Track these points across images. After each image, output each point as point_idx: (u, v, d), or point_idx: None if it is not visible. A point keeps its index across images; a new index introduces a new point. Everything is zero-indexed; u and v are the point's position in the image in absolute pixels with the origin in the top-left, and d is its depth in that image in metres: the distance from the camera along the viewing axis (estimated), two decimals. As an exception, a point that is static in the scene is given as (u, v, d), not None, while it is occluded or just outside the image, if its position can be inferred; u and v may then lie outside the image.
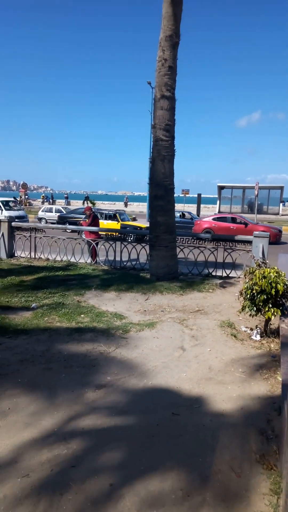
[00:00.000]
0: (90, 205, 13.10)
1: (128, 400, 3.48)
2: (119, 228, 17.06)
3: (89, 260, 10.00)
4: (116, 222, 18.25)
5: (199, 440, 2.92)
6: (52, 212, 24.85)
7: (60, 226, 11.81)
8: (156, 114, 8.13)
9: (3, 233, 10.51)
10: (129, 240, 10.72)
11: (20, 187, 42.39)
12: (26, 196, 40.92)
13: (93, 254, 10.12)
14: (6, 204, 22.11)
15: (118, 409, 3.32)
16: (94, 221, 10.73)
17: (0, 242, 10.53)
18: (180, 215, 21.68)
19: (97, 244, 10.05)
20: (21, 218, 20.67)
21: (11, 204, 22.87)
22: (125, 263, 9.63)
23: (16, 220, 19.07)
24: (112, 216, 18.76)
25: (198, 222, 18.79)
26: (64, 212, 23.82)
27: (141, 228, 16.98)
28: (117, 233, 10.30)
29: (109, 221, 18.32)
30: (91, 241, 10.15)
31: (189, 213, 23.74)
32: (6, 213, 20.47)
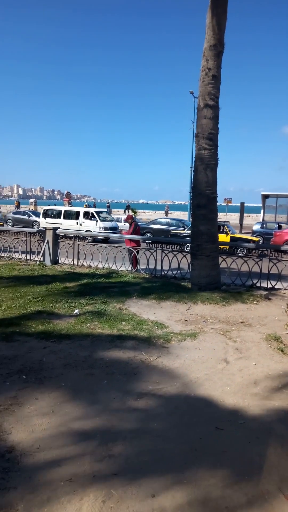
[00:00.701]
0: (131, 213, 13.40)
1: (170, 411, 3.41)
2: (228, 241, 16.09)
3: (129, 268, 10.08)
4: (225, 234, 16.78)
5: (245, 458, 2.79)
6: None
7: (102, 233, 12.03)
8: (199, 123, 8.11)
9: (48, 240, 10.88)
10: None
11: (65, 196, 43.91)
12: (70, 205, 42.26)
13: (134, 262, 10.19)
14: (99, 214, 20.63)
15: (159, 419, 3.26)
16: (135, 230, 10.83)
17: (45, 249, 10.93)
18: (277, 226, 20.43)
19: (138, 252, 10.11)
20: (114, 230, 19.45)
21: (103, 215, 21.18)
22: (166, 272, 9.60)
23: (110, 231, 18.74)
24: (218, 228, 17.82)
25: (279, 233, 17.63)
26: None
27: (253, 241, 16.16)
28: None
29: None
30: (132, 249, 10.23)
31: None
32: (101, 224, 19.57)
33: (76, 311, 6.26)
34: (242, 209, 28.57)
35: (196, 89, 8.36)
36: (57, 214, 21.39)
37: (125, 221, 12.18)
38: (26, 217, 27.44)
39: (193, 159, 8.49)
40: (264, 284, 8.50)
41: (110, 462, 2.70)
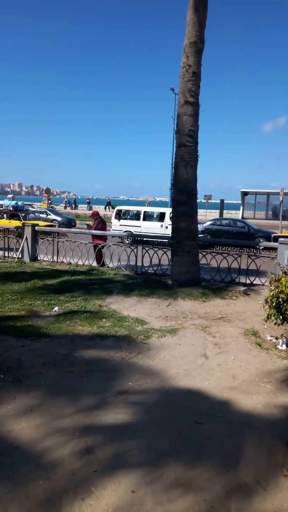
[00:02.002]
0: (96, 210, 13.92)
1: (150, 407, 3.43)
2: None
3: (110, 265, 10.05)
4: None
5: (223, 451, 2.84)
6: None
7: (83, 231, 11.86)
8: (180, 119, 8.13)
9: (26, 237, 10.71)
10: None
11: (44, 192, 43.24)
12: (49, 201, 41.65)
13: (98, 258, 10.38)
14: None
15: (139, 415, 3.28)
16: (98, 226, 11.06)
17: (23, 245, 10.75)
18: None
19: (102, 247, 10.22)
20: (203, 234, 17.35)
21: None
22: (146, 269, 9.62)
23: (201, 235, 16.23)
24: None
25: None
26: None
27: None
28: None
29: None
30: (98, 244, 10.36)
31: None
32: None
33: (56, 308, 6.20)
34: (222, 206, 28.93)
35: (177, 86, 8.38)
36: (134, 215, 18.48)
37: (91, 216, 12.21)
38: (44, 215, 25.39)
39: (174, 156, 8.52)
40: (243, 280, 8.64)
41: (89, 459, 2.70)
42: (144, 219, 17.79)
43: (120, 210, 18.86)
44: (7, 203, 20.27)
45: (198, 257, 8.48)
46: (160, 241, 10.63)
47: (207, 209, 38.79)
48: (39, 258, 10.92)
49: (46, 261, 10.72)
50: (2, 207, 21.39)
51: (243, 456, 2.78)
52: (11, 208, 19.00)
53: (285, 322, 4.91)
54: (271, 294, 4.94)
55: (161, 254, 9.38)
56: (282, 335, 5.13)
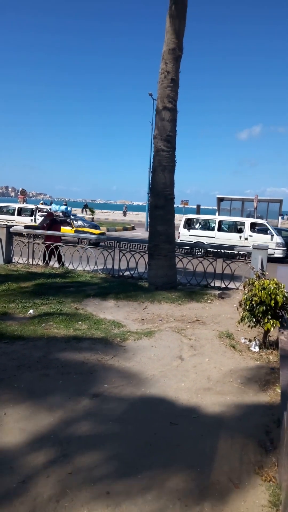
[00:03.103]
0: (51, 210, 14.10)
1: (126, 409, 3.44)
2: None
3: (87, 268, 9.98)
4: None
5: (197, 450, 2.88)
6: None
7: (57, 233, 11.70)
8: (158, 125, 8.23)
9: (0, 238, 10.49)
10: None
11: (19, 193, 42.43)
12: (25, 203, 40.94)
13: (49, 257, 10.46)
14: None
15: (115, 417, 3.28)
16: (53, 226, 11.28)
17: (-2, 247, 10.51)
18: None
19: (56, 248, 10.29)
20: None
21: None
22: (123, 272, 9.63)
23: (283, 248, 14.92)
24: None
25: None
26: None
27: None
28: None
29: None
30: (50, 244, 10.41)
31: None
32: (278, 239, 15.20)
33: (31, 311, 6.10)
34: (198, 211, 29.34)
35: (155, 91, 8.48)
36: (207, 225, 17.05)
37: (46, 216, 12.27)
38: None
39: (152, 161, 8.60)
40: (218, 284, 8.79)
41: (64, 461, 2.68)
42: (219, 229, 16.28)
43: (189, 219, 17.24)
44: (56, 207, 19.06)
45: (174, 260, 8.58)
46: (241, 253, 9.51)
47: (184, 214, 39.23)
48: (13, 261, 10.72)
49: (21, 263, 10.54)
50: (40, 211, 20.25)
51: (216, 455, 2.84)
52: (60, 214, 17.87)
53: (258, 325, 5.04)
54: (245, 297, 5.06)
55: (138, 258, 9.42)
56: (255, 337, 5.25)
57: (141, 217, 39.46)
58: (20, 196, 40.21)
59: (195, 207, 32.38)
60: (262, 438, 3.07)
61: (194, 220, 17.44)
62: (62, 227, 16.84)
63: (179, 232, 16.65)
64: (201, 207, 31.03)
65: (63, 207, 19.08)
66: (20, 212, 20.70)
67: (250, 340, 5.23)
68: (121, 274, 9.59)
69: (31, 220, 19.47)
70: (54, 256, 10.39)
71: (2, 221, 18.70)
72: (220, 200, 30.70)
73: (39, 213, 19.83)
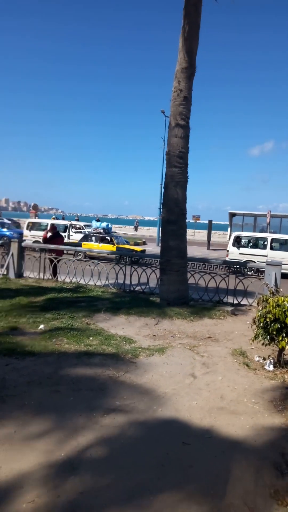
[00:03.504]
0: (53, 222, 14.12)
1: (137, 427, 3.37)
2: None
3: (98, 283, 10.00)
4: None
5: (211, 472, 2.79)
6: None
7: (68, 248, 11.84)
8: (170, 141, 8.32)
9: (12, 253, 10.61)
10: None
11: (31, 208, 43.02)
12: (37, 218, 41.48)
13: (53, 270, 10.62)
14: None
15: (126, 436, 3.21)
16: (54, 240, 11.37)
17: (9, 262, 10.63)
18: None
19: (58, 261, 10.47)
20: None
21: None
22: (134, 287, 9.60)
23: None
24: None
25: None
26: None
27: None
28: None
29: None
30: (53, 258, 10.58)
31: None
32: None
33: (42, 326, 6.10)
34: (210, 226, 29.29)
35: (167, 108, 8.62)
36: (258, 243, 16.21)
37: (49, 230, 12.42)
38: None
39: (163, 176, 8.67)
40: (230, 300, 8.68)
41: (75, 481, 2.62)
42: (271, 248, 15.47)
43: (239, 237, 16.40)
44: (96, 225, 18.69)
45: (186, 276, 8.53)
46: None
47: (195, 229, 39.20)
48: (24, 275, 10.81)
49: (32, 278, 10.61)
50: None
51: (230, 478, 2.74)
52: (101, 231, 17.76)
53: (273, 342, 4.93)
54: (259, 314, 4.97)
55: (149, 273, 9.40)
56: (269, 355, 5.14)
57: (153, 232, 39.57)
58: (32, 211, 40.82)
59: (207, 222, 32.37)
60: (278, 460, 2.97)
61: (244, 238, 16.57)
62: (104, 244, 16.95)
63: (227, 250, 16.31)
64: (213, 222, 30.98)
65: (103, 224, 18.72)
66: None
67: (264, 359, 5.11)
68: (133, 289, 9.57)
69: (64, 236, 18.71)
70: (56, 269, 10.53)
71: (34, 237, 18.55)
72: (232, 215, 30.65)
73: (73, 229, 19.60)
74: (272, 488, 2.66)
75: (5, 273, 10.66)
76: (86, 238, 17.67)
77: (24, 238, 19.16)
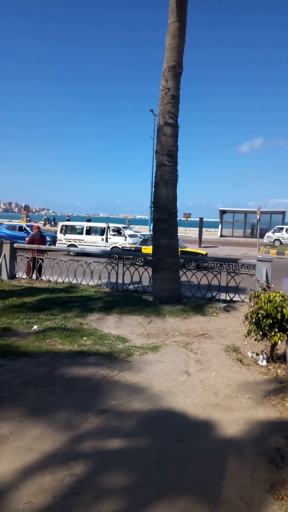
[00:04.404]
0: (37, 224, 14.24)
1: (132, 425, 3.38)
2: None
3: (91, 282, 9.98)
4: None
5: (207, 468, 2.82)
6: None
7: (61, 248, 11.79)
8: (159, 140, 8.32)
9: (4, 254, 10.54)
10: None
11: (22, 209, 42.76)
12: (28, 218, 41.22)
13: (28, 269, 10.88)
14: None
15: (122, 435, 3.22)
16: (34, 239, 11.73)
17: (1, 263, 10.55)
18: None
19: (35, 260, 10.66)
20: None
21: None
22: (127, 286, 9.60)
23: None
24: None
25: None
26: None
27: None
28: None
29: None
30: (33, 258, 10.76)
31: None
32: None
33: (35, 327, 6.08)
34: (201, 224, 29.40)
35: (156, 107, 8.61)
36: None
37: (32, 230, 12.44)
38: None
39: (154, 175, 8.67)
40: (222, 297, 8.74)
41: (71, 481, 2.62)
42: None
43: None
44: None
45: (178, 274, 8.55)
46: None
47: (186, 227, 39.32)
48: (17, 276, 10.74)
49: (24, 278, 10.56)
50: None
51: (226, 473, 2.77)
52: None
53: (265, 338, 4.98)
54: (251, 310, 5.02)
55: (142, 271, 9.41)
56: (262, 351, 5.19)
57: (144, 230, 39.61)
58: (23, 212, 40.54)
59: (198, 219, 32.52)
60: (273, 455, 3.01)
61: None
62: None
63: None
64: (204, 219, 31.11)
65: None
66: (90, 231, 19.11)
67: (257, 354, 5.16)
68: (125, 288, 9.57)
69: (102, 239, 18.48)
70: (34, 268, 10.68)
71: (69, 241, 18.22)
72: (223, 212, 30.78)
73: (111, 232, 18.83)
74: (268, 482, 2.69)
75: (-3, 274, 10.58)
76: (146, 242, 16.85)
77: (58, 242, 18.97)
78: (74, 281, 9.99)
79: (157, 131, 8.58)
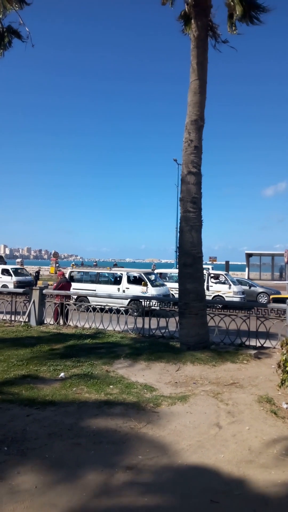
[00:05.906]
0: (63, 270, 14.30)
1: (161, 483, 3.21)
2: None
3: (117, 328, 9.93)
4: None
5: (243, 535, 2.60)
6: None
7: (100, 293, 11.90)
8: (184, 188, 8.59)
9: (34, 300, 10.76)
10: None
11: (52, 256, 44.15)
12: (57, 265, 42.34)
13: (55, 315, 11.03)
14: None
15: (150, 493, 3.05)
16: (61, 285, 11.86)
17: (31, 309, 10.75)
18: None
19: (62, 306, 10.80)
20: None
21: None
22: (153, 331, 9.49)
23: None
24: None
25: None
26: None
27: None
28: None
29: None
30: (56, 303, 10.95)
31: None
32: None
33: (62, 374, 6.05)
34: (227, 267, 29.15)
35: (179, 157, 8.97)
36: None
37: (57, 276, 12.63)
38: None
39: (178, 221, 8.85)
40: (252, 343, 8.44)
41: None
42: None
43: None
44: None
45: (206, 319, 8.40)
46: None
47: (212, 270, 38.94)
48: (45, 322, 10.87)
49: (52, 324, 10.66)
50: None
51: None
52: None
53: (300, 388, 4.73)
54: (284, 358, 4.82)
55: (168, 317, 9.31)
56: (297, 401, 4.90)
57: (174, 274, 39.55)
58: (52, 259, 41.84)
59: (224, 263, 32.30)
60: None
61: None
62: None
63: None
64: (230, 263, 30.86)
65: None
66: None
67: (292, 405, 4.87)
68: (152, 333, 9.45)
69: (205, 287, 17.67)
70: (61, 314, 10.80)
71: (170, 290, 16.76)
72: (249, 255, 30.48)
73: (212, 279, 18.33)
74: None
75: (26, 320, 10.76)
76: None
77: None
78: (101, 327, 9.98)
79: (181, 179, 8.87)
